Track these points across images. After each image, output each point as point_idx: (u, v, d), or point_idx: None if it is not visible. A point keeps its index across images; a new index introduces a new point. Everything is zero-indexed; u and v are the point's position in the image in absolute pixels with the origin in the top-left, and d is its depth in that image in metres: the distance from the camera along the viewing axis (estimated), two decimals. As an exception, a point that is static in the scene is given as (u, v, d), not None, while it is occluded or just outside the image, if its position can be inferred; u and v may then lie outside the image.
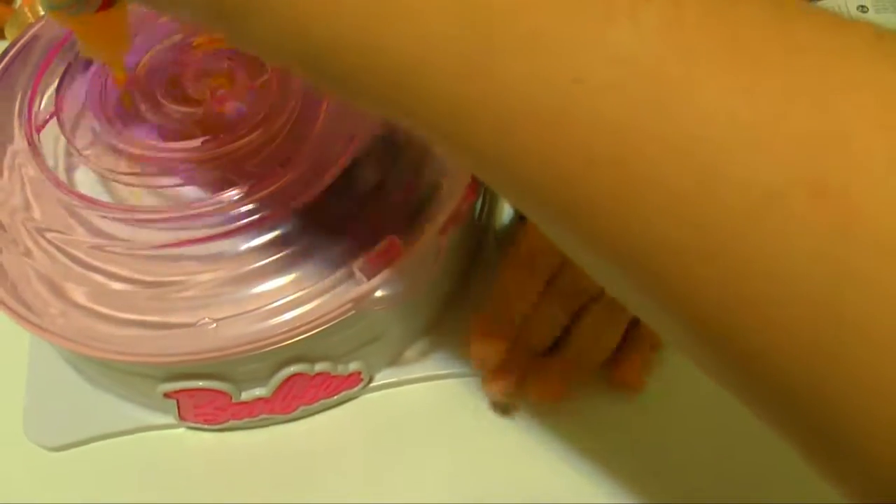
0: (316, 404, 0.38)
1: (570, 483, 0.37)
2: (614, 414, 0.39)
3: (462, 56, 0.18)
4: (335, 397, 0.39)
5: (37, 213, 0.36)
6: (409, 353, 0.40)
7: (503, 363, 0.37)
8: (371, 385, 0.40)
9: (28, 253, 0.35)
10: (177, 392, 0.35)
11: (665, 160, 0.16)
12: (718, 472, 0.37)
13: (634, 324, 0.38)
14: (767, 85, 0.16)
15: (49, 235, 0.35)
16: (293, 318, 0.33)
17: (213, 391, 0.35)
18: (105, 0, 0.30)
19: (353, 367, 0.37)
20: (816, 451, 0.18)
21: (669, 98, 0.16)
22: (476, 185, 0.36)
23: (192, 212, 0.34)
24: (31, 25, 0.42)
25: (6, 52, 0.41)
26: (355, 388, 0.39)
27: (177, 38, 0.39)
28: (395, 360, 0.40)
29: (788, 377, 0.17)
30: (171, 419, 0.38)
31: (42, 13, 0.47)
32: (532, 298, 0.37)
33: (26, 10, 0.51)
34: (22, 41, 0.40)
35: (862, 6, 0.47)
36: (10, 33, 0.51)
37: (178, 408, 0.37)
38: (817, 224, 0.15)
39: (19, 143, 0.37)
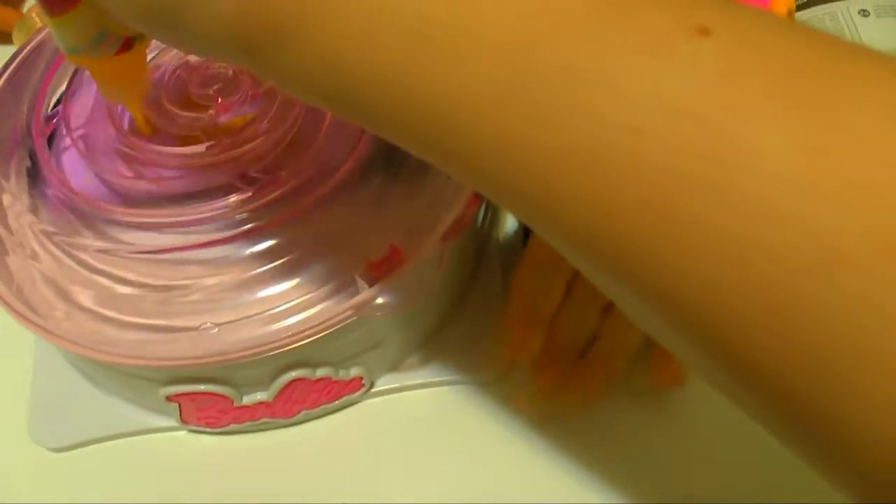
0: (317, 409, 0.39)
1: (569, 490, 0.37)
2: (617, 421, 0.39)
3: (499, 94, 0.17)
4: (336, 402, 0.39)
5: (44, 217, 0.36)
6: (411, 359, 0.40)
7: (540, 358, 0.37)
8: (372, 391, 0.40)
9: (35, 256, 0.35)
10: (179, 395, 0.35)
11: (723, 214, 0.16)
12: (729, 478, 0.37)
13: None
14: (831, 140, 0.16)
15: (56, 239, 0.35)
16: (294, 324, 0.33)
17: (214, 395, 0.35)
18: (124, 43, 0.30)
19: (355, 372, 0.38)
20: (819, 461, 0.18)
21: (730, 154, 0.16)
22: (479, 194, 0.37)
23: (197, 216, 0.35)
24: (38, 31, 0.43)
25: (14, 57, 0.41)
26: (356, 394, 0.39)
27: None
28: (396, 367, 0.40)
29: (811, 405, 0.17)
30: (173, 422, 0.38)
31: (34, 16, 0.48)
32: (556, 297, 0.37)
33: (34, 15, 0.51)
34: (30, 46, 0.41)
35: (863, 10, 0.47)
36: (18, 38, 0.52)
37: (180, 411, 0.37)
38: (884, 276, 0.15)
39: (26, 147, 0.37)
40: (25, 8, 0.56)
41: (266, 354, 0.33)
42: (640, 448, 0.38)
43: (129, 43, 0.31)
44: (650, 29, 0.17)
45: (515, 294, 0.38)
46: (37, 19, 0.52)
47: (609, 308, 0.37)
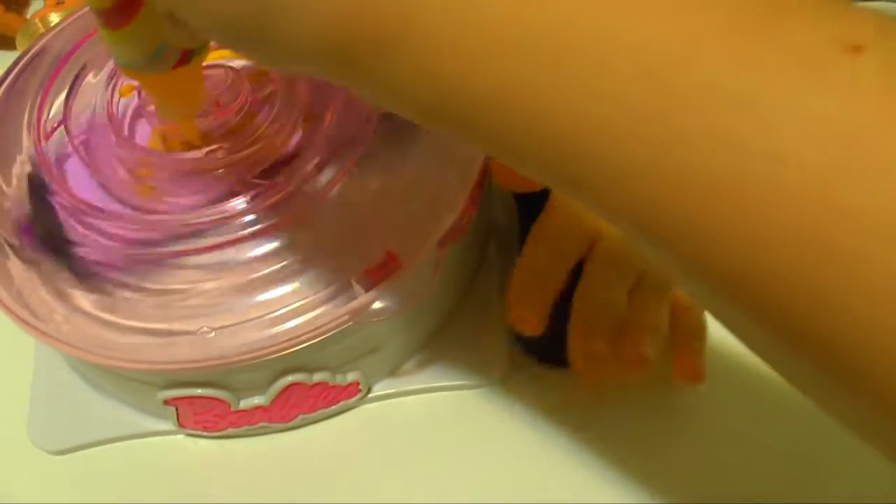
0: (314, 413, 0.39)
1: (571, 494, 0.37)
2: (615, 423, 0.39)
3: (637, 118, 0.17)
4: (333, 407, 0.39)
5: (45, 223, 0.36)
6: (409, 364, 0.40)
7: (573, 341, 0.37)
8: (370, 395, 0.40)
9: (36, 262, 0.35)
10: (176, 399, 0.36)
11: (875, 245, 0.15)
12: (739, 478, 0.37)
13: (678, 317, 0.38)
14: None
15: (57, 244, 0.35)
16: (291, 329, 0.33)
17: (211, 399, 0.35)
18: (181, 56, 0.29)
19: (352, 377, 0.38)
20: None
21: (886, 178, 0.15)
22: (476, 199, 0.37)
23: (196, 221, 0.35)
24: (41, 36, 0.43)
25: (16, 62, 0.41)
26: (354, 399, 0.39)
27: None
28: (394, 371, 0.40)
29: None
30: (171, 426, 0.38)
31: (52, 24, 0.48)
32: (561, 278, 0.37)
33: (37, 21, 0.51)
34: (32, 52, 0.41)
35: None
36: (21, 44, 0.52)
37: (178, 415, 0.37)
38: None
39: (27, 152, 0.38)
40: (29, 13, 0.57)
41: (263, 359, 0.33)
42: (645, 451, 0.38)
43: (187, 56, 0.30)
44: (798, 46, 0.16)
45: (519, 272, 0.38)
46: (40, 25, 0.52)
47: (635, 289, 0.37)
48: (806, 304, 0.16)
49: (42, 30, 0.51)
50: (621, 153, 0.17)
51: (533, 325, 0.37)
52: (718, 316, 0.20)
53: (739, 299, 0.17)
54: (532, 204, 0.39)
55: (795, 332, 0.17)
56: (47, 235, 0.36)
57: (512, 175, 0.37)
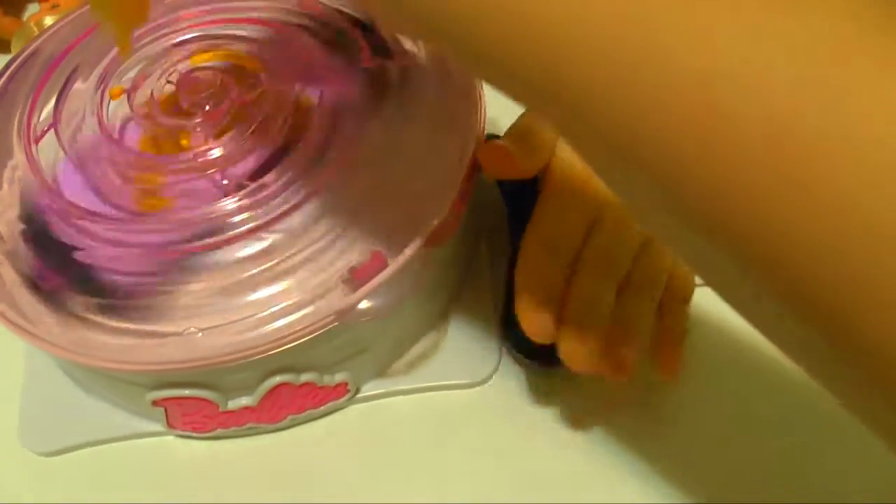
0: (303, 414, 0.39)
1: (559, 494, 0.37)
2: (606, 422, 0.39)
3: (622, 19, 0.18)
4: (322, 407, 0.39)
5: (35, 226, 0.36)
6: (397, 364, 0.41)
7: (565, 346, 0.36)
8: (358, 396, 0.40)
9: (27, 266, 0.36)
10: (164, 400, 0.36)
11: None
12: (721, 480, 0.37)
13: (664, 315, 0.38)
14: None
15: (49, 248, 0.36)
16: (276, 329, 0.33)
17: (199, 400, 0.36)
18: None
19: (340, 378, 0.38)
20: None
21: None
22: (465, 198, 0.37)
23: (185, 222, 0.35)
24: (33, 39, 0.44)
25: (8, 65, 0.42)
26: (342, 399, 0.39)
27: (172, 48, 0.40)
28: (382, 372, 0.40)
29: None
30: (161, 427, 0.38)
31: (46, 26, 0.49)
32: (558, 279, 0.36)
33: (32, 24, 0.52)
34: (24, 55, 0.42)
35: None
36: (16, 47, 0.53)
37: (167, 416, 0.37)
38: None
39: (18, 156, 0.38)
40: (26, 16, 0.57)
41: (249, 359, 0.33)
42: (637, 450, 0.38)
43: None
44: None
45: (521, 281, 0.37)
46: (35, 28, 0.53)
47: (622, 289, 0.37)
48: (774, 234, 0.17)
49: (37, 33, 0.52)
50: (603, 66, 0.18)
51: (550, 333, 0.36)
52: (684, 253, 0.21)
53: (707, 230, 0.19)
54: (519, 197, 0.39)
55: (760, 261, 0.18)
56: (39, 239, 0.36)
57: (499, 163, 0.37)
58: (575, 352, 0.36)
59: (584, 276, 0.37)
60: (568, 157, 0.38)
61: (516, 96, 0.22)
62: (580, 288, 0.36)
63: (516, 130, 0.38)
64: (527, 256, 0.37)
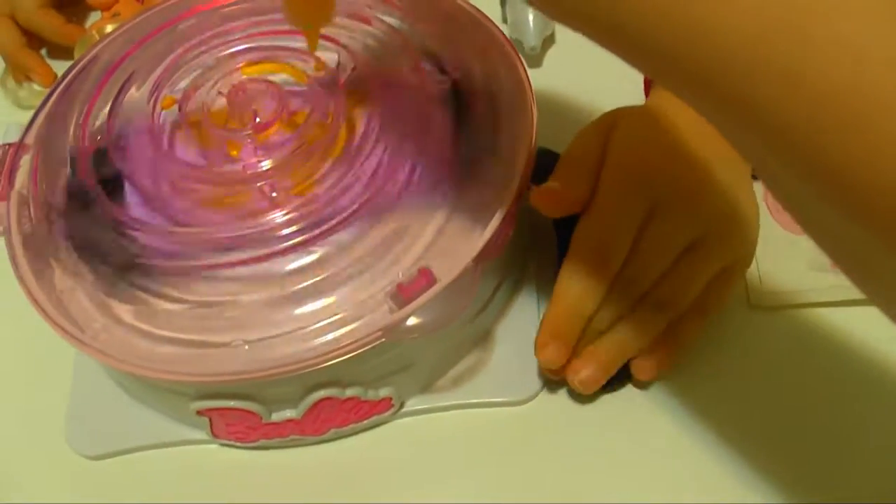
0: (347, 427, 0.39)
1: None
2: (651, 444, 0.38)
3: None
4: (366, 421, 0.39)
5: (87, 234, 0.37)
6: (442, 381, 0.40)
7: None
8: (403, 411, 0.40)
9: (78, 273, 0.36)
10: (209, 410, 0.36)
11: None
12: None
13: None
14: None
15: (102, 257, 0.36)
16: (322, 344, 0.33)
17: (243, 411, 0.36)
18: None
19: (384, 392, 0.38)
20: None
21: None
22: (513, 217, 0.37)
23: (236, 234, 0.35)
24: (93, 46, 0.44)
25: (68, 72, 0.42)
26: (386, 413, 0.39)
27: (224, 59, 0.40)
28: (427, 388, 0.40)
29: None
30: (205, 435, 0.39)
31: (107, 32, 0.49)
32: (602, 290, 0.37)
33: (94, 32, 0.52)
34: (82, 62, 0.42)
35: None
36: (78, 53, 0.53)
37: (211, 425, 0.37)
38: None
39: (72, 165, 0.38)
40: (88, 24, 0.58)
41: (294, 374, 0.33)
42: (681, 475, 0.38)
43: None
44: None
45: (561, 287, 0.38)
46: (96, 35, 0.53)
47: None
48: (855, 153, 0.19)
49: (97, 39, 0.52)
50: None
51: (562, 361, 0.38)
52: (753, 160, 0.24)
53: (779, 141, 0.21)
54: (570, 227, 0.39)
55: (836, 177, 0.20)
56: (89, 246, 0.36)
57: (551, 204, 0.38)
58: (588, 380, 0.38)
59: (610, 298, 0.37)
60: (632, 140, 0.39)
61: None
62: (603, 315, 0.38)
63: (562, 165, 0.39)
64: (569, 267, 0.38)
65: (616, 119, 0.40)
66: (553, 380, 0.40)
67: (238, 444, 0.39)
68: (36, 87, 0.55)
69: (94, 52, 0.43)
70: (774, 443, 0.38)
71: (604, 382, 0.38)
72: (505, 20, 0.53)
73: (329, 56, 0.40)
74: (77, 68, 0.42)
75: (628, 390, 0.40)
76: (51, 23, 0.54)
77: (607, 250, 0.37)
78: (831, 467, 0.37)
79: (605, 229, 0.38)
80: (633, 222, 0.37)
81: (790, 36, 0.20)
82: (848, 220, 0.21)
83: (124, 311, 0.35)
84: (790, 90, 0.20)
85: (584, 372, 0.38)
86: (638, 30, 0.22)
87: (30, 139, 0.40)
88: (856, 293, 0.25)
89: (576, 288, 0.37)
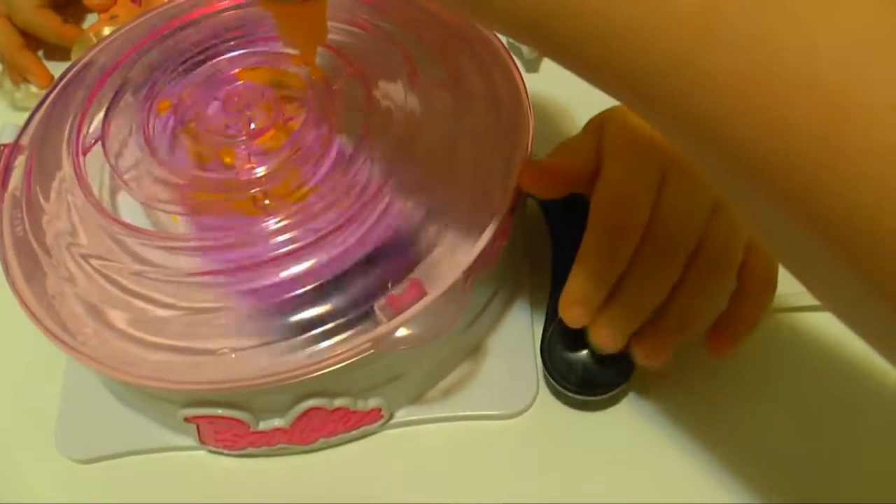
0: (335, 437, 0.39)
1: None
2: (645, 461, 0.38)
3: (682, 20, 0.20)
4: (355, 432, 0.39)
5: (82, 239, 0.37)
6: (432, 392, 0.40)
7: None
8: (392, 422, 0.40)
9: (71, 278, 0.36)
10: (196, 417, 0.36)
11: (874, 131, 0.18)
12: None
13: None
14: None
15: (93, 261, 0.36)
16: (310, 354, 0.33)
17: (231, 419, 0.35)
18: None
19: (374, 403, 0.37)
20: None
21: None
22: (507, 227, 0.36)
23: (228, 241, 0.35)
24: (89, 49, 0.44)
25: (63, 75, 0.42)
26: (375, 424, 0.39)
27: (220, 65, 0.40)
28: (417, 399, 0.40)
29: None
30: (193, 441, 0.38)
31: (105, 35, 0.49)
32: (629, 248, 0.35)
33: (91, 34, 0.52)
34: (78, 66, 0.42)
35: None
36: (75, 55, 0.53)
37: (199, 432, 0.37)
38: None
39: (66, 169, 0.38)
40: (87, 25, 0.58)
41: (282, 384, 0.33)
42: (675, 486, 0.38)
43: None
44: None
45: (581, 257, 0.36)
46: (93, 38, 0.53)
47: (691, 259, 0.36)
48: (822, 186, 0.19)
49: (95, 43, 0.52)
50: (669, 49, 0.20)
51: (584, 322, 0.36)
52: (732, 197, 0.23)
53: (754, 178, 0.20)
54: (563, 225, 0.38)
55: (809, 209, 0.19)
56: (83, 251, 0.36)
57: (543, 179, 0.37)
58: (607, 336, 0.36)
59: (647, 258, 0.35)
60: (627, 122, 0.38)
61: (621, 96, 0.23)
62: (639, 272, 0.36)
63: (553, 152, 0.38)
64: (591, 235, 0.36)
65: (606, 115, 0.39)
66: (548, 392, 0.40)
67: (226, 451, 0.39)
68: (32, 88, 0.55)
69: (91, 55, 0.43)
70: (779, 452, 0.38)
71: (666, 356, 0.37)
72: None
73: (324, 63, 0.40)
74: (73, 71, 0.42)
75: (624, 401, 0.40)
76: (48, 23, 0.54)
77: (626, 205, 0.35)
78: (837, 475, 0.37)
79: (620, 185, 0.36)
80: (650, 177, 0.36)
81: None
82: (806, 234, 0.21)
83: (116, 316, 0.35)
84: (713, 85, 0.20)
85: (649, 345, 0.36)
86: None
87: (25, 140, 0.40)
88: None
89: (600, 250, 0.36)
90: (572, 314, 0.36)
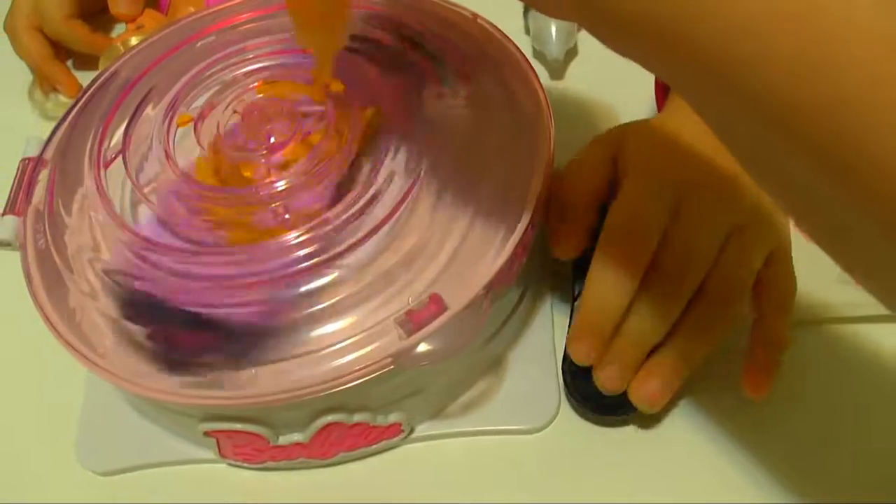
0: (355, 452, 0.38)
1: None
2: (664, 476, 0.38)
3: None
4: (375, 446, 0.39)
5: (104, 254, 0.37)
6: (453, 406, 0.40)
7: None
8: (412, 436, 0.39)
9: (92, 293, 0.36)
10: (216, 432, 0.36)
11: None
12: None
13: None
14: None
15: (114, 277, 0.36)
16: (330, 370, 0.33)
17: (250, 434, 0.35)
18: None
19: (394, 418, 0.37)
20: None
21: None
22: (527, 244, 0.36)
23: (247, 255, 0.35)
24: (115, 60, 0.44)
25: (87, 87, 0.42)
26: (395, 439, 0.39)
27: (239, 78, 0.40)
28: (437, 413, 0.39)
29: None
30: (213, 455, 0.38)
31: (132, 45, 0.49)
32: (635, 279, 0.35)
33: (119, 45, 0.53)
34: (102, 77, 0.42)
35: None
36: (102, 65, 0.54)
37: (219, 446, 0.37)
38: None
39: (88, 184, 0.38)
40: (116, 33, 0.59)
41: (301, 399, 0.33)
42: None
43: None
44: None
45: (589, 288, 0.37)
46: (121, 48, 0.54)
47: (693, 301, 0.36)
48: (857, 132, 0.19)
49: (122, 51, 0.53)
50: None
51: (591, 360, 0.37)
52: (756, 150, 0.23)
53: (783, 124, 0.20)
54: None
55: (840, 161, 0.20)
56: (105, 265, 0.36)
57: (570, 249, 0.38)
58: (610, 378, 0.36)
59: (653, 287, 0.35)
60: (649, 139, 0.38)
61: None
62: (645, 303, 0.36)
63: (568, 166, 0.39)
64: (598, 262, 0.36)
65: (629, 130, 0.39)
66: (569, 408, 0.39)
67: (246, 464, 0.39)
68: (62, 98, 0.55)
69: (115, 67, 0.43)
70: (806, 466, 0.37)
71: (668, 398, 0.37)
72: (528, 31, 0.53)
73: (346, 76, 0.40)
74: (97, 83, 0.42)
75: (648, 416, 0.39)
76: (77, 33, 0.54)
77: (637, 232, 0.36)
78: (867, 484, 0.37)
79: (633, 209, 0.36)
80: (665, 201, 0.36)
81: None
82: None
83: (136, 330, 0.35)
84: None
85: (651, 385, 0.36)
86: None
87: (48, 154, 0.40)
88: (883, 309, 0.25)
89: (607, 278, 0.36)
90: (580, 351, 0.36)
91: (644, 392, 0.36)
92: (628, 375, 0.36)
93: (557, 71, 0.52)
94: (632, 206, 0.36)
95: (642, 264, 0.35)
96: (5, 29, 0.55)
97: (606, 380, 0.36)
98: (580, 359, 0.37)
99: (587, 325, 0.36)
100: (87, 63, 0.56)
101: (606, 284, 0.36)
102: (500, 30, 0.42)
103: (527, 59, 0.41)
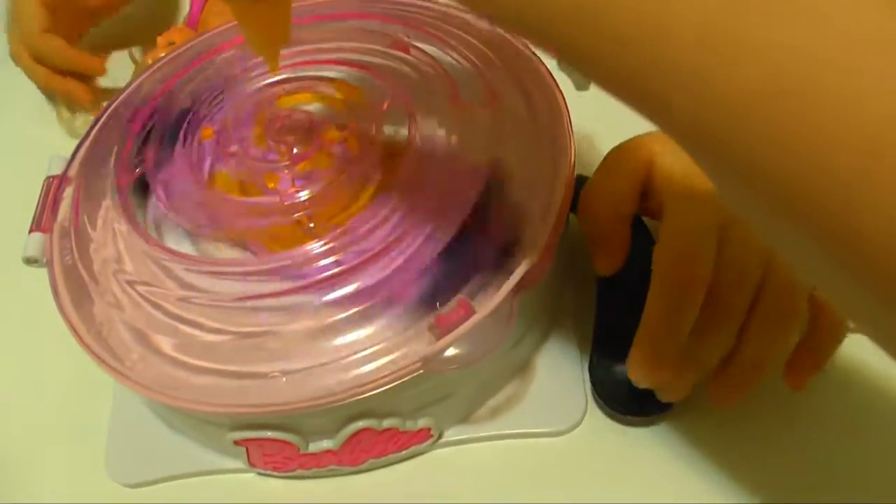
0: (384, 458, 0.38)
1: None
2: (695, 478, 0.38)
3: (702, 28, 0.18)
4: (404, 452, 0.39)
5: (128, 266, 0.37)
6: (481, 410, 0.40)
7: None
8: (441, 441, 0.39)
9: (118, 304, 0.36)
10: (246, 441, 0.36)
11: None
12: None
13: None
14: None
15: (139, 288, 0.36)
16: (360, 376, 0.33)
17: (280, 441, 0.35)
18: None
19: (423, 423, 0.37)
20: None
21: None
22: (552, 248, 0.36)
23: (274, 265, 0.35)
24: (138, 75, 0.45)
25: (110, 103, 0.43)
26: (424, 444, 0.39)
27: (262, 90, 0.41)
28: (466, 418, 0.40)
29: None
30: (242, 464, 0.38)
31: (150, 62, 0.50)
32: (695, 306, 0.35)
33: (149, 61, 0.53)
34: (123, 94, 0.42)
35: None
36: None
37: (248, 455, 0.37)
38: None
39: (111, 198, 0.38)
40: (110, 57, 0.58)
41: (331, 405, 0.33)
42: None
43: None
44: None
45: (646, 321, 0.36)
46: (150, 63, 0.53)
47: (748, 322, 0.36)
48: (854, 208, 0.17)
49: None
50: (687, 62, 0.18)
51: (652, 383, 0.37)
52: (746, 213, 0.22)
53: (767, 192, 0.19)
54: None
55: (836, 233, 0.18)
56: (129, 277, 0.36)
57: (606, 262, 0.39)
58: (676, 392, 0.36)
59: (710, 311, 0.35)
60: (679, 159, 0.37)
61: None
62: (702, 326, 0.35)
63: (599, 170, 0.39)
64: (656, 293, 0.35)
65: (654, 149, 0.39)
66: (597, 409, 0.40)
67: (275, 473, 0.39)
68: (91, 116, 0.55)
69: (139, 81, 0.43)
70: (838, 474, 0.37)
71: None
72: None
73: (366, 86, 0.40)
74: (121, 98, 0.43)
75: (676, 417, 0.39)
76: (52, 45, 0.53)
77: (693, 259, 0.35)
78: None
79: (685, 237, 0.35)
80: (711, 226, 0.35)
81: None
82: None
83: (163, 342, 0.35)
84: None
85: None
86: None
87: (72, 172, 0.41)
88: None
89: (664, 306, 0.35)
90: (643, 376, 0.36)
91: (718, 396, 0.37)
92: (687, 389, 0.37)
93: (583, 82, 0.52)
94: (681, 234, 0.36)
95: (700, 294, 0.35)
96: (10, 55, 0.55)
97: (671, 394, 0.37)
98: (645, 380, 0.36)
99: (650, 353, 0.36)
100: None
101: (666, 316, 0.35)
102: (521, 40, 0.42)
103: (548, 70, 0.41)
